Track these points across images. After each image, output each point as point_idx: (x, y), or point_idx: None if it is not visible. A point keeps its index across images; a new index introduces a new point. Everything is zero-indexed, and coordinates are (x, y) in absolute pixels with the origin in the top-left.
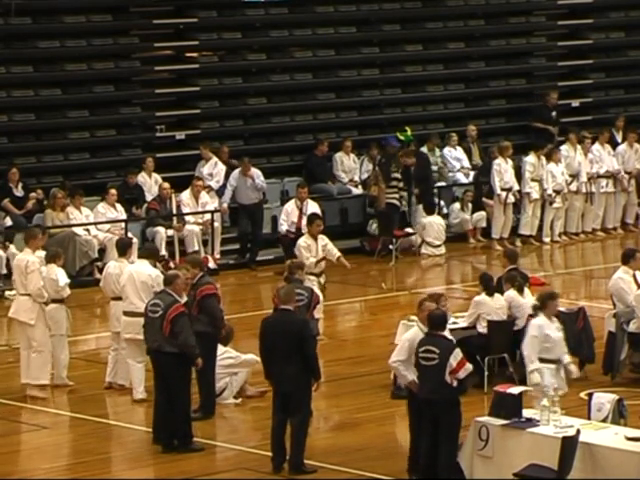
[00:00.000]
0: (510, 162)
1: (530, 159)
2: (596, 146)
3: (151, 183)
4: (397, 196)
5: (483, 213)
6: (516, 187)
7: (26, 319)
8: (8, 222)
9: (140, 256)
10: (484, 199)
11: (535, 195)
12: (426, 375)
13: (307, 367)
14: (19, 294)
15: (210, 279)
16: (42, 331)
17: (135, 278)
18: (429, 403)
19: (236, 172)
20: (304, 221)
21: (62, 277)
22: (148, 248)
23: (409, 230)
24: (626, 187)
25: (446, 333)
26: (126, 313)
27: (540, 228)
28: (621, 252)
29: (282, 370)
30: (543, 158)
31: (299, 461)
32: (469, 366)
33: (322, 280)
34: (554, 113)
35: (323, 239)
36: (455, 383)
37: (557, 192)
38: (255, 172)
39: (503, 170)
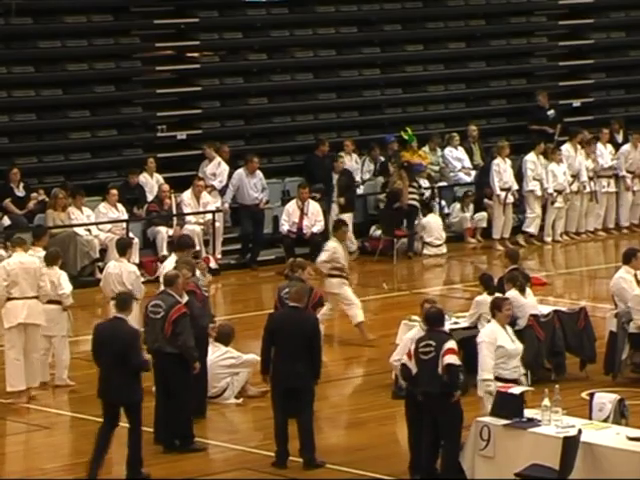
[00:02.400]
0: (509, 162)
1: (531, 157)
2: (597, 145)
3: (153, 183)
4: (417, 197)
5: (484, 214)
6: (515, 187)
7: (42, 322)
8: (8, 222)
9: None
10: (486, 200)
11: (538, 193)
12: (424, 369)
13: (313, 365)
14: (27, 297)
15: (193, 279)
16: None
17: None
18: (426, 397)
19: (238, 172)
20: (305, 221)
21: (66, 284)
22: (180, 242)
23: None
24: (629, 186)
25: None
26: None
27: (541, 228)
28: (623, 252)
29: (290, 367)
30: (541, 157)
31: (312, 457)
32: (456, 358)
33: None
34: (550, 112)
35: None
36: (445, 377)
37: (559, 192)
38: (257, 173)
39: (502, 170)
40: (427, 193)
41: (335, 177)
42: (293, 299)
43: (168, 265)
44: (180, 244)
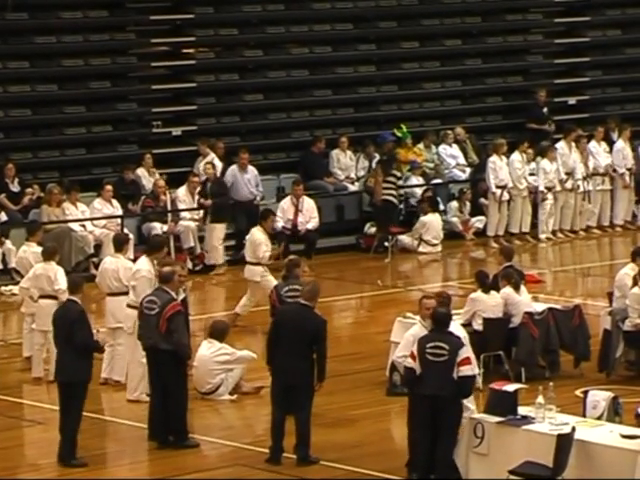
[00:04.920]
0: (505, 159)
1: (517, 157)
2: (592, 143)
3: (150, 179)
4: (394, 193)
5: (483, 218)
6: (511, 184)
7: None
8: (4, 217)
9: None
10: (482, 200)
11: (525, 192)
12: (433, 371)
13: (318, 366)
14: None
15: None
16: None
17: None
18: (433, 399)
19: (232, 168)
20: (300, 218)
21: (62, 280)
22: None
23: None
24: (628, 183)
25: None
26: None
27: (534, 225)
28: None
29: (292, 364)
30: (524, 155)
31: (306, 454)
32: (473, 368)
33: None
34: (545, 110)
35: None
36: (460, 387)
37: (549, 189)
38: (251, 169)
39: (498, 168)
40: (419, 191)
41: (208, 185)
42: (306, 297)
43: (141, 266)
44: (152, 245)
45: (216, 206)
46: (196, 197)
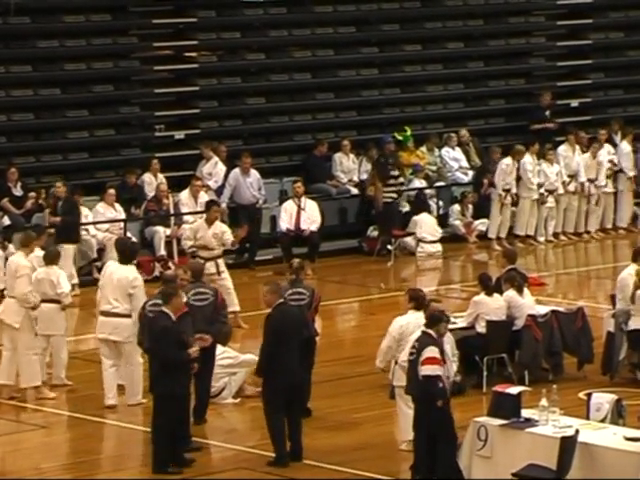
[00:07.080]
0: (516, 165)
1: (528, 159)
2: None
3: (156, 184)
4: (395, 195)
5: (486, 221)
6: (515, 189)
7: (11, 322)
8: (7, 222)
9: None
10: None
11: (535, 195)
12: (409, 370)
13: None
14: (8, 296)
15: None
16: (28, 335)
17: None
18: (413, 399)
19: (234, 171)
20: (303, 216)
21: (65, 283)
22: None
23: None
24: (636, 187)
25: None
26: (102, 313)
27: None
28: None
29: (295, 363)
30: (535, 157)
31: (301, 449)
32: (433, 368)
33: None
34: (548, 112)
35: (221, 226)
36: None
37: (550, 192)
38: (254, 173)
39: (509, 172)
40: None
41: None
42: (280, 296)
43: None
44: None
45: (64, 225)
46: (199, 201)
